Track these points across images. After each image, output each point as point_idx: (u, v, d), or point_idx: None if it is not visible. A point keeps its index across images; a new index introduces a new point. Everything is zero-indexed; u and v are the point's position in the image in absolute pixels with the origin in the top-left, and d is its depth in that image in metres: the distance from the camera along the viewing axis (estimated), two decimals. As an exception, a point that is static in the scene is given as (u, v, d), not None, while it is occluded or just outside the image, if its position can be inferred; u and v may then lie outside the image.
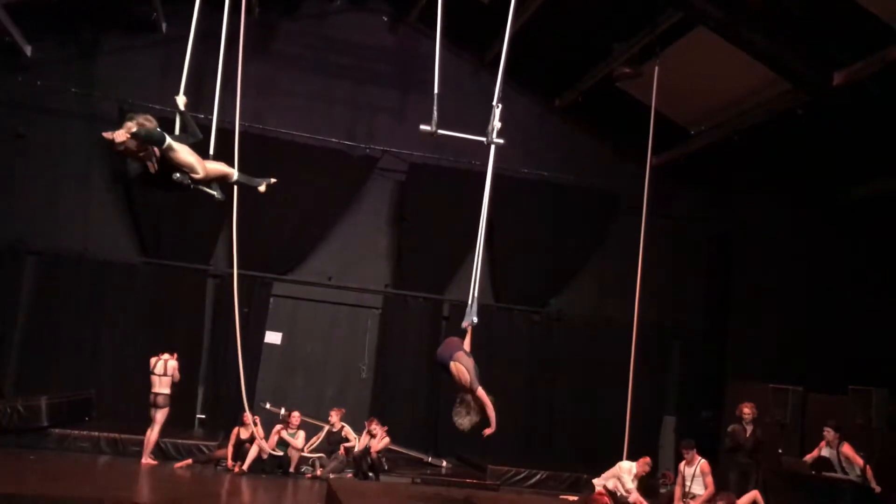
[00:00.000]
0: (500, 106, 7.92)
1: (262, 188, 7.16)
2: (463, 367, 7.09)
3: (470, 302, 7.83)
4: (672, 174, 13.77)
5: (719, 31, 10.61)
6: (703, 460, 10.07)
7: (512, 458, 12.33)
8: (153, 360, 10.85)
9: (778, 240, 13.44)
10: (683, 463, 10.20)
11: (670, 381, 14.56)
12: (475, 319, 7.63)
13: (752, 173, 13.68)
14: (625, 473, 9.99)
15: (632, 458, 10.67)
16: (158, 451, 10.93)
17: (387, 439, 11.20)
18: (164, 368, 10.78)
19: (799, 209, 13.45)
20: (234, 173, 6.84)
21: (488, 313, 13.26)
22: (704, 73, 11.99)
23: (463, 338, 7.68)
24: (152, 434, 10.65)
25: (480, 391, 7.04)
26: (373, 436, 11.04)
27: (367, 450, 10.96)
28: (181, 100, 6.62)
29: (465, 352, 7.26)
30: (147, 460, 10.58)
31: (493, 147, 8.03)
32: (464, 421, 7.09)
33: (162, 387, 10.69)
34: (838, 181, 13.03)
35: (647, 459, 10.27)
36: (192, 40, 7.06)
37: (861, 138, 11.79)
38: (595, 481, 10.20)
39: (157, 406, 10.63)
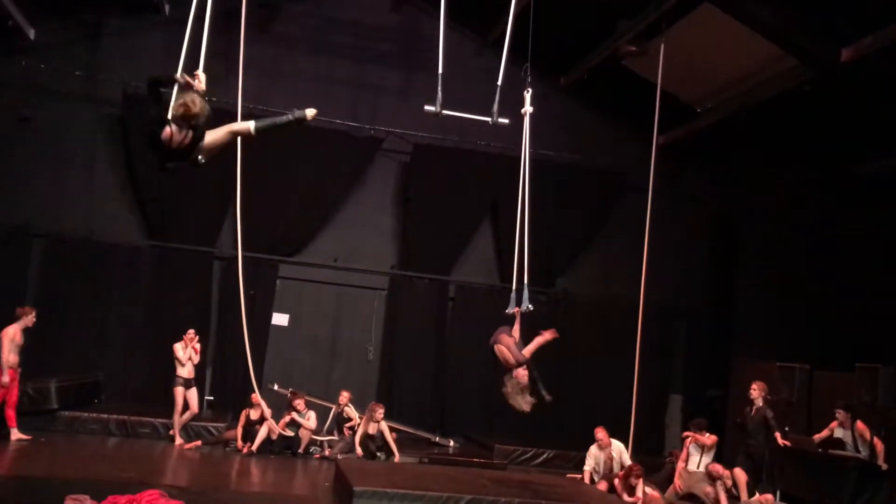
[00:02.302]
0: (529, 91, 7.99)
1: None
2: (503, 346, 7.56)
3: (516, 288, 8.08)
4: (678, 153, 13.68)
5: (726, 8, 10.52)
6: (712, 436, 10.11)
7: (519, 438, 12.38)
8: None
9: (784, 217, 13.39)
10: (690, 440, 10.20)
11: (677, 360, 14.58)
12: (530, 307, 7.90)
13: (758, 151, 13.60)
14: (623, 452, 10.08)
15: (637, 437, 10.71)
16: (163, 431, 11.13)
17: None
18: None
19: (805, 186, 13.38)
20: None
21: (495, 293, 13.26)
22: (711, 50, 11.90)
23: (511, 324, 7.86)
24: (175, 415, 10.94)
25: (528, 355, 7.53)
26: (376, 421, 11.04)
27: (368, 434, 10.99)
28: (203, 77, 5.91)
29: (507, 333, 7.68)
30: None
31: (526, 125, 8.09)
32: (521, 404, 7.54)
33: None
34: (845, 158, 12.96)
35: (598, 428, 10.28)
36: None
37: (869, 114, 11.72)
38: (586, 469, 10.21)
39: None
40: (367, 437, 10.96)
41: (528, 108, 8.14)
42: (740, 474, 9.67)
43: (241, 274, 10.30)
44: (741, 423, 10.39)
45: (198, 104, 5.49)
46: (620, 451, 10.09)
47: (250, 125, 5.82)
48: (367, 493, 7.45)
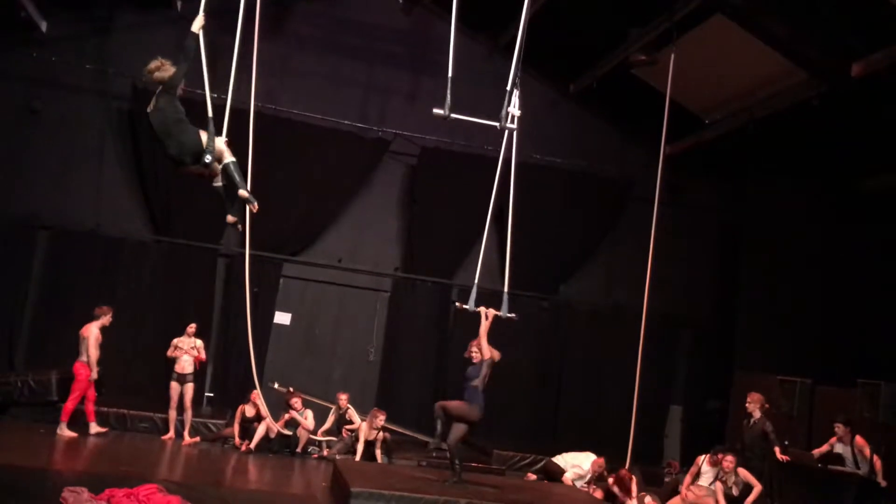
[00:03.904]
0: (516, 92, 7.95)
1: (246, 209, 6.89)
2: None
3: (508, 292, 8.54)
4: (685, 163, 13.68)
5: (737, 19, 10.53)
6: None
7: (517, 444, 12.36)
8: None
9: (790, 231, 13.38)
10: (705, 459, 10.01)
11: (678, 371, 14.53)
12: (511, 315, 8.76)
13: (766, 163, 13.59)
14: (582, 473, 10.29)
15: (637, 446, 10.68)
16: (161, 426, 11.18)
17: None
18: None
19: (813, 200, 13.37)
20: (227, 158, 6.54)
21: (498, 298, 13.23)
22: (721, 61, 11.90)
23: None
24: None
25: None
26: (378, 429, 11.02)
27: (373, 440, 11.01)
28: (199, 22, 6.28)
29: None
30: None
31: (514, 131, 8.09)
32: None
33: None
34: (853, 172, 12.94)
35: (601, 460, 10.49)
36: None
37: (877, 129, 11.69)
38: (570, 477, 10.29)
39: None
40: (366, 442, 10.96)
41: (515, 111, 8.09)
42: (745, 472, 9.51)
43: (248, 271, 10.33)
44: (740, 438, 10.33)
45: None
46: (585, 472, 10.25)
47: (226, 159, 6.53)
48: (364, 495, 7.46)
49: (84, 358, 10.28)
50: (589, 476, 10.32)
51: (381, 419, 11.01)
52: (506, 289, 9.12)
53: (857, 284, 12.89)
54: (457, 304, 9.39)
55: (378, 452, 10.92)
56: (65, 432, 10.09)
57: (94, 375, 10.30)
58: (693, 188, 14.48)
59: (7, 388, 10.76)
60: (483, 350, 8.62)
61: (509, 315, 8.89)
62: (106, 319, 10.54)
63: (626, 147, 14.32)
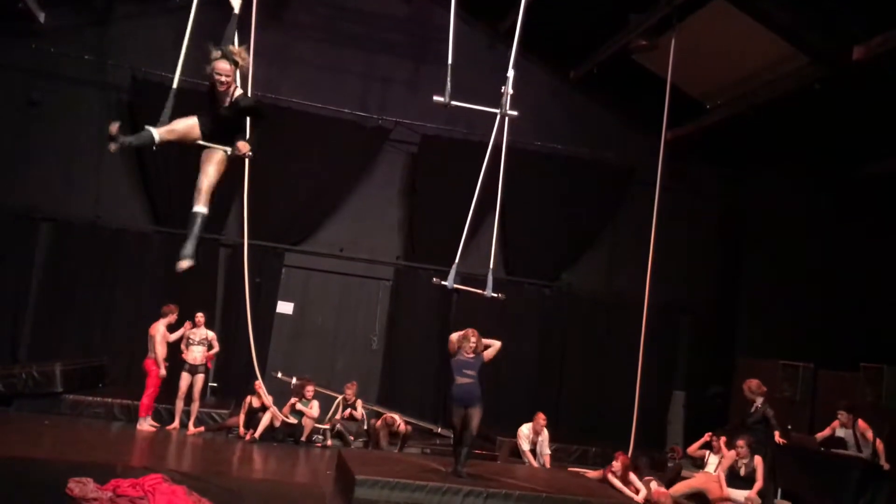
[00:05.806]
0: (510, 75, 7.93)
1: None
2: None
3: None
4: (686, 148, 13.64)
5: (737, 3, 10.48)
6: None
7: (520, 431, 12.38)
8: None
9: (792, 216, 13.36)
10: (709, 454, 10.07)
11: (680, 357, 14.56)
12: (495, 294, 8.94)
13: (767, 149, 13.56)
14: (523, 439, 10.74)
15: (640, 432, 10.70)
16: (166, 417, 11.18)
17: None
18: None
19: (814, 185, 13.35)
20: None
21: (499, 286, 13.25)
22: (722, 46, 11.85)
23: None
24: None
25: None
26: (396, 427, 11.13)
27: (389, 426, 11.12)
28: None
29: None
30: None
31: (505, 119, 8.06)
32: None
33: None
34: (855, 157, 12.92)
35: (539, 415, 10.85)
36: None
37: (879, 115, 11.66)
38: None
39: None
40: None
41: (507, 91, 8.07)
42: (759, 461, 9.52)
43: (247, 261, 10.34)
44: (742, 421, 10.36)
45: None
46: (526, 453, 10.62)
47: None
48: (368, 482, 7.49)
49: (152, 355, 10.59)
50: (531, 437, 10.77)
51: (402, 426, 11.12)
52: (490, 268, 9.20)
53: (858, 269, 12.89)
54: (434, 280, 9.47)
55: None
56: (144, 427, 10.48)
57: (162, 372, 10.57)
58: (694, 174, 14.45)
59: (11, 379, 10.79)
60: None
61: (494, 294, 8.99)
62: (172, 317, 10.82)
63: (627, 133, 14.28)
